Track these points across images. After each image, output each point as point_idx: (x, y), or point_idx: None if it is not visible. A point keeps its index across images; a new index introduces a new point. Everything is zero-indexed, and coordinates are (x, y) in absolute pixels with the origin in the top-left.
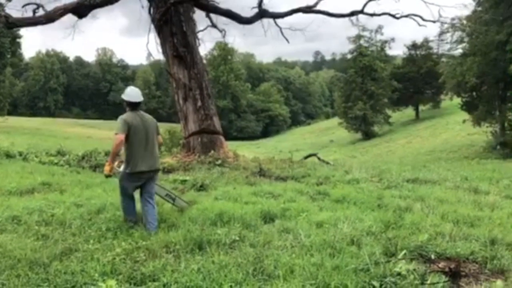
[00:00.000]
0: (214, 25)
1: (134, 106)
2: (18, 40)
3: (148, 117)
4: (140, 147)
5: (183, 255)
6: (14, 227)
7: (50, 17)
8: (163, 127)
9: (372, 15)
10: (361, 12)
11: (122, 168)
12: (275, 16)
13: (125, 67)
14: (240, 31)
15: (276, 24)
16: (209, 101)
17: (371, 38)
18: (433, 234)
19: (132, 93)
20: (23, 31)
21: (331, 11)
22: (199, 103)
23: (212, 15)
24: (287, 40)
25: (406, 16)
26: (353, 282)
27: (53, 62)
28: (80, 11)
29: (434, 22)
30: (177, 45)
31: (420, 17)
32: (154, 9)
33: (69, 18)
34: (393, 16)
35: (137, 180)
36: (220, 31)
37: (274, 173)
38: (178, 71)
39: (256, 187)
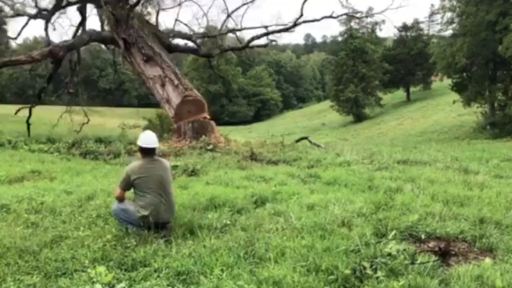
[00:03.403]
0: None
1: (146, 152)
2: (4, 26)
3: (162, 162)
4: (157, 196)
5: (174, 240)
6: (3, 215)
7: (30, 58)
8: (153, 112)
9: (312, 21)
10: (301, 18)
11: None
12: (235, 49)
13: (114, 52)
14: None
15: (237, 56)
16: (185, 80)
17: (361, 20)
18: (423, 215)
19: (145, 138)
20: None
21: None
22: (176, 82)
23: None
24: (252, 63)
25: (329, 17)
26: (344, 263)
27: (41, 49)
28: (55, 55)
29: (353, 16)
30: (145, 54)
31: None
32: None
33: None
34: (331, 16)
35: (145, 226)
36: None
37: (266, 157)
38: (152, 71)
39: (247, 171)
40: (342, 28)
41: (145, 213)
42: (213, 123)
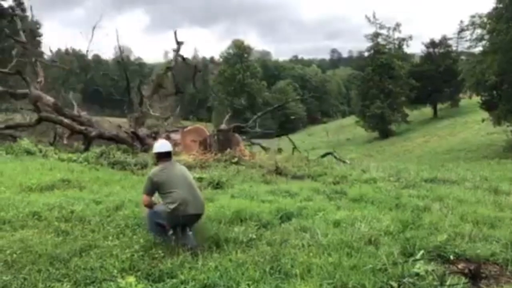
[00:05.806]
0: None
1: (162, 157)
2: (38, 38)
3: (180, 165)
4: (182, 189)
5: (200, 252)
6: (35, 223)
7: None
8: None
9: None
10: None
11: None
12: None
13: (142, 65)
14: (259, 30)
15: None
16: None
17: (388, 36)
18: (452, 235)
19: (158, 145)
20: (43, 30)
21: None
22: (176, 129)
23: None
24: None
25: None
26: (371, 282)
27: (72, 60)
28: (88, 134)
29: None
30: (152, 133)
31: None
32: None
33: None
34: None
35: (177, 221)
36: None
37: (291, 171)
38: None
39: (272, 186)
40: (369, 44)
41: (173, 206)
42: (238, 136)
